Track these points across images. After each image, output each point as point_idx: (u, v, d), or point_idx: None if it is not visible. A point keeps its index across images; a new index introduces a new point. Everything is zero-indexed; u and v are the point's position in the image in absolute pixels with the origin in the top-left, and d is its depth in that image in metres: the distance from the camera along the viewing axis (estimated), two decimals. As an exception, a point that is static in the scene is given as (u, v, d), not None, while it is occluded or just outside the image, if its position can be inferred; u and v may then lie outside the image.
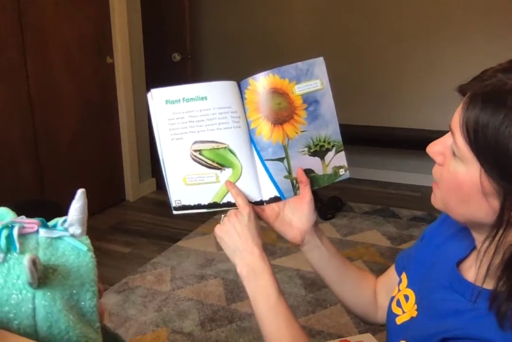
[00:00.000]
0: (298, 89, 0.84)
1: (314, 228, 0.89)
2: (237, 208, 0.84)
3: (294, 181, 0.88)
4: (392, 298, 0.82)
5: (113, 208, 3.29)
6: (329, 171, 0.90)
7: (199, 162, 0.84)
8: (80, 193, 0.56)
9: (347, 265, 0.93)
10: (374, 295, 0.94)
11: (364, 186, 3.72)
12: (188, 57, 3.37)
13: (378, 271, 2.22)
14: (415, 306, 0.75)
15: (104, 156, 3.21)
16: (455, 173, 0.61)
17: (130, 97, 3.26)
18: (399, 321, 0.77)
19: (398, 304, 0.79)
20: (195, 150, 0.83)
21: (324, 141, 0.88)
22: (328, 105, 0.86)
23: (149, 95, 0.82)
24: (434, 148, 0.65)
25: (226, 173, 0.85)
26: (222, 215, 0.87)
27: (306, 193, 0.87)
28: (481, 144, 0.56)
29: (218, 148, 0.83)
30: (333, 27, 3.71)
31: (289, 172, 0.87)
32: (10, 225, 0.53)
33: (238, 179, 0.85)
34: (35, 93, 2.65)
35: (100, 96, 3.09)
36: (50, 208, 1.96)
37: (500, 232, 0.57)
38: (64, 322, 0.50)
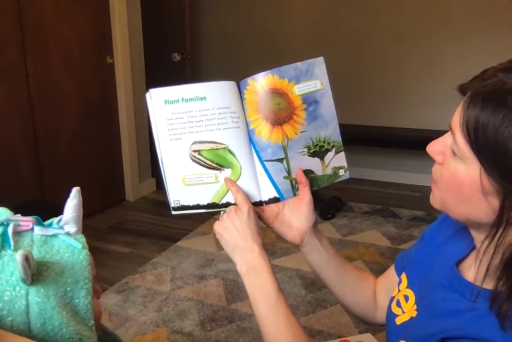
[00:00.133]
0: (298, 90, 0.83)
1: (314, 228, 0.89)
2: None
3: (294, 182, 0.88)
4: (392, 298, 0.82)
5: (113, 208, 3.29)
6: (328, 171, 0.89)
7: (198, 163, 0.83)
8: (75, 191, 0.56)
9: (346, 266, 0.93)
10: (374, 295, 0.93)
11: (364, 186, 3.71)
12: (188, 57, 3.37)
13: (378, 271, 2.22)
14: (415, 306, 0.74)
15: (104, 156, 3.21)
16: (455, 172, 0.61)
17: (130, 97, 3.26)
18: (399, 321, 0.77)
19: (398, 304, 0.79)
20: (194, 151, 0.83)
21: (324, 141, 0.87)
22: (328, 106, 0.86)
23: (147, 95, 0.81)
24: (434, 148, 0.65)
25: (225, 173, 0.84)
26: (222, 212, 0.86)
27: (305, 194, 0.87)
28: (481, 143, 0.56)
29: (217, 149, 0.83)
30: (333, 27, 3.71)
31: (289, 173, 0.87)
32: (5, 223, 0.53)
33: (238, 179, 0.85)
34: (35, 93, 2.64)
35: (100, 96, 3.09)
36: (50, 208, 1.96)
37: (500, 231, 0.57)
38: (57, 319, 0.50)
